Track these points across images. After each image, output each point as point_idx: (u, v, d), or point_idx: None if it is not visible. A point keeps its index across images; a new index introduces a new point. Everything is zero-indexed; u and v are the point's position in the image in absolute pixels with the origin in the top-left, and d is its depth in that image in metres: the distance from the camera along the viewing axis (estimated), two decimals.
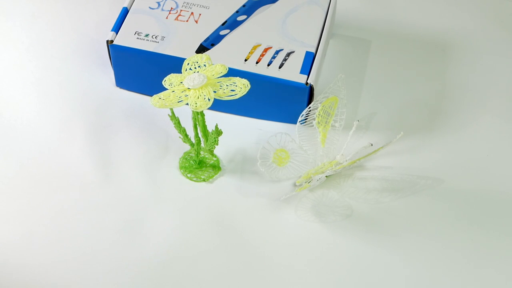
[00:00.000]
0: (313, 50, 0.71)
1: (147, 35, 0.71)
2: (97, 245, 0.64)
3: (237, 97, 0.60)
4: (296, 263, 0.63)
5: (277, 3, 0.75)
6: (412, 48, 0.80)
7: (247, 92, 0.60)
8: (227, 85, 0.61)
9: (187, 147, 0.70)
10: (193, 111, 0.63)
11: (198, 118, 0.65)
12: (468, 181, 0.69)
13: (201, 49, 0.71)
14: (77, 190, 0.67)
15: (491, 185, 0.69)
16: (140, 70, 0.72)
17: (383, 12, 0.83)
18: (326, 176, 0.67)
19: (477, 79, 0.77)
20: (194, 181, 0.68)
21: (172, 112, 0.65)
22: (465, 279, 0.63)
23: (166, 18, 0.73)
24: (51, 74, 0.75)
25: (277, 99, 0.71)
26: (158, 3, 0.74)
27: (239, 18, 0.73)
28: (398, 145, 0.71)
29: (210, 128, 0.66)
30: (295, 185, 0.68)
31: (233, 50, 0.71)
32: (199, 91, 0.60)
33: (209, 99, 0.59)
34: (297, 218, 0.66)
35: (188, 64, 0.63)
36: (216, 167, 0.69)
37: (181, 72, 0.63)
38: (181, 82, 0.62)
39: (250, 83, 0.61)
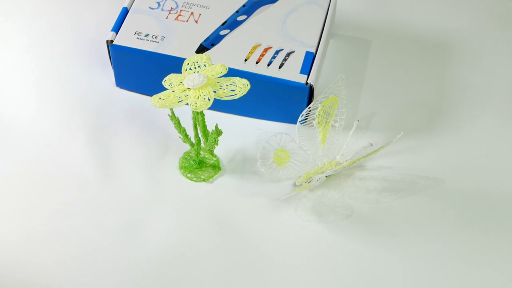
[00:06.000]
0: (313, 50, 0.71)
1: (147, 35, 0.71)
2: (97, 245, 0.64)
3: (237, 97, 0.60)
4: (296, 263, 0.63)
5: (277, 3, 0.75)
6: (412, 48, 0.80)
7: (247, 92, 0.60)
8: (227, 85, 0.61)
9: (187, 147, 0.70)
10: (193, 111, 0.63)
11: (198, 118, 0.65)
12: (468, 181, 0.69)
13: (201, 49, 0.71)
14: (77, 190, 0.67)
15: (491, 185, 0.69)
16: (140, 70, 0.72)
17: (383, 12, 0.83)
18: (326, 176, 0.67)
19: (477, 79, 0.77)
20: (194, 181, 0.68)
21: (172, 112, 0.65)
22: (465, 279, 0.63)
23: (166, 18, 0.73)
24: (51, 74, 0.75)
25: (277, 99, 0.71)
26: (158, 3, 0.74)
27: (239, 18, 0.73)
28: (398, 145, 0.71)
29: (210, 128, 0.66)
30: (295, 185, 0.68)
31: (233, 50, 0.71)
32: (199, 91, 0.60)
33: (209, 99, 0.59)
34: (297, 218, 0.66)
35: (188, 64, 0.63)
36: (216, 167, 0.69)
37: (181, 72, 0.63)
38: (181, 82, 0.62)
39: (250, 83, 0.61)
